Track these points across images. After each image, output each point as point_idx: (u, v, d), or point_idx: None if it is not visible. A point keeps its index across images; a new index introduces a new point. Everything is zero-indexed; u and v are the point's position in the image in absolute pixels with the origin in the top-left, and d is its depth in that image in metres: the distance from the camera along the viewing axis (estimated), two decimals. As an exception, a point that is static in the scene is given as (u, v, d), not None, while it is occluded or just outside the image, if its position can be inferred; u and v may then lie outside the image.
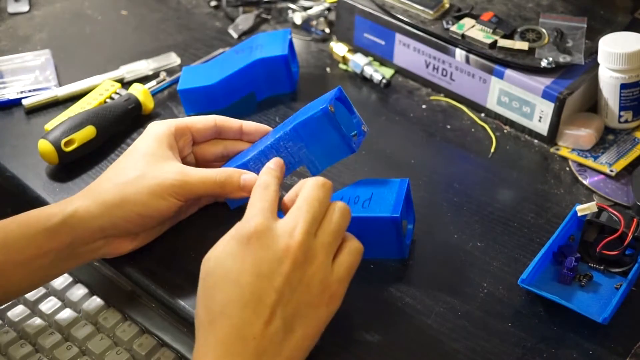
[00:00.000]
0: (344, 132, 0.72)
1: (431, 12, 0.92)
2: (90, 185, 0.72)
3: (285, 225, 0.63)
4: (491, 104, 0.90)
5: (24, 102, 0.91)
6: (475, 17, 0.91)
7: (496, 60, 0.87)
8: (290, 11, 1.06)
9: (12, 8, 1.07)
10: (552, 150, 0.87)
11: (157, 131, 0.74)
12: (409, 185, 0.73)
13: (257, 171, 0.71)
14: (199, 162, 0.79)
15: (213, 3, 1.09)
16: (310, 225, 0.64)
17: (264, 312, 0.61)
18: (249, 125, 0.78)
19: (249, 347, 0.60)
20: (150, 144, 0.73)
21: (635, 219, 0.71)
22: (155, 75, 0.96)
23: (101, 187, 0.71)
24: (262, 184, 0.67)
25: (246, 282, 0.61)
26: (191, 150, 0.78)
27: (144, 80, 0.95)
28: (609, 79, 0.85)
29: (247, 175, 0.72)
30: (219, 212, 0.79)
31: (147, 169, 0.71)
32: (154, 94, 0.93)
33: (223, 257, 0.62)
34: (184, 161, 0.76)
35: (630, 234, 0.70)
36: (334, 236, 0.65)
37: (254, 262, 0.61)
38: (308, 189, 0.66)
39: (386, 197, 0.72)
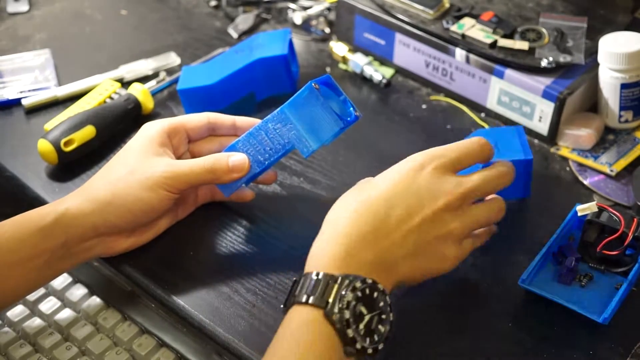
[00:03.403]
0: (330, 108, 0.72)
1: (431, 11, 0.92)
2: (82, 186, 0.73)
3: (464, 180, 0.68)
4: (491, 103, 0.90)
5: (24, 102, 0.91)
6: (476, 17, 0.91)
7: (496, 60, 0.87)
8: (290, 11, 1.06)
9: (11, 8, 1.07)
10: (552, 150, 0.87)
11: (149, 130, 0.75)
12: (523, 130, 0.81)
13: (248, 154, 0.72)
14: None
15: (213, 3, 1.09)
16: (475, 191, 0.68)
17: (404, 224, 0.65)
18: (242, 120, 0.78)
19: (377, 240, 0.64)
20: (141, 142, 0.74)
21: (635, 219, 0.71)
22: (155, 75, 0.96)
23: (92, 185, 0.72)
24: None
25: (400, 192, 0.66)
26: (187, 149, 0.78)
27: (143, 80, 0.95)
28: (609, 79, 0.85)
29: (235, 157, 0.73)
30: (219, 212, 0.79)
31: (137, 165, 0.72)
32: (153, 93, 0.93)
33: (394, 171, 0.68)
34: (180, 159, 0.76)
35: (630, 234, 0.70)
36: (485, 212, 0.69)
37: (415, 185, 0.66)
38: (496, 169, 0.70)
39: (511, 142, 0.78)
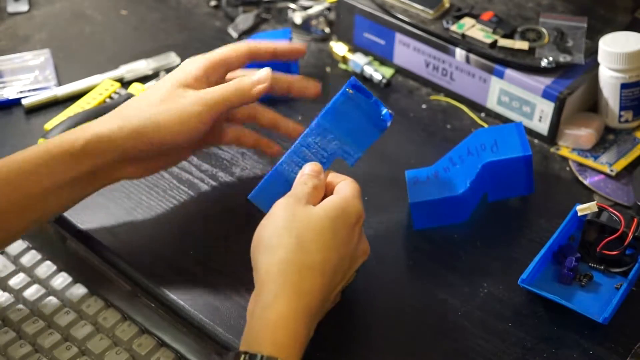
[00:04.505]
0: (369, 111, 0.71)
1: (431, 11, 0.92)
2: (114, 110, 0.73)
3: (354, 207, 0.67)
4: (491, 103, 0.90)
5: (24, 101, 0.91)
6: (475, 17, 0.91)
7: (496, 59, 0.87)
8: (290, 11, 1.06)
9: (11, 8, 1.07)
10: (552, 150, 0.87)
11: (188, 66, 0.75)
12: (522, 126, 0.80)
13: (294, 173, 0.70)
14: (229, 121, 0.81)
15: (213, 3, 1.09)
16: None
17: (336, 286, 0.65)
18: (283, 47, 0.80)
19: (319, 309, 0.63)
20: (177, 75, 0.74)
21: (635, 219, 0.71)
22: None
23: (124, 112, 0.72)
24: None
25: (342, 255, 0.65)
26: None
27: (143, 79, 0.95)
28: (609, 79, 0.85)
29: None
30: (219, 212, 0.80)
31: (170, 95, 0.72)
32: (153, 93, 0.92)
33: (337, 220, 0.65)
34: None
35: (630, 234, 0.70)
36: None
37: (352, 245, 0.66)
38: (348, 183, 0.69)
39: (510, 140, 0.78)
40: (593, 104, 0.89)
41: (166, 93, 0.72)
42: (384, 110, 0.72)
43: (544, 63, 0.86)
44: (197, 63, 0.75)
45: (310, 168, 0.69)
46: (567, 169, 0.85)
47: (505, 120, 0.89)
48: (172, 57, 0.98)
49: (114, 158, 0.71)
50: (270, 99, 0.88)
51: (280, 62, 0.89)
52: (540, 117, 0.86)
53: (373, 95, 0.73)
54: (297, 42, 0.79)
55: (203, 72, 0.75)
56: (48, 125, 0.88)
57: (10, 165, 0.68)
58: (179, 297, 0.72)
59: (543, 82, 0.85)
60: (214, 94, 0.73)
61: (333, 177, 0.70)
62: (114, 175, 0.73)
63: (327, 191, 0.69)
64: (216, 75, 0.76)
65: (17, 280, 0.77)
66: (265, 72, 0.75)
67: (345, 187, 0.68)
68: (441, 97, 0.94)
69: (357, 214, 0.66)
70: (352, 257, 0.66)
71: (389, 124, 0.72)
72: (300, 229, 0.64)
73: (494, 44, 0.88)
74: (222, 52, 0.77)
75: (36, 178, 0.68)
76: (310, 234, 0.64)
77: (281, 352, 0.59)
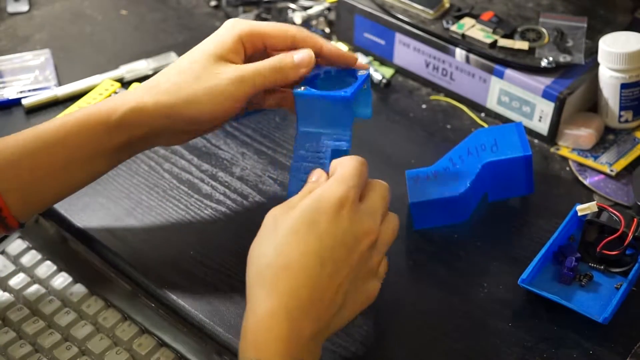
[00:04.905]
0: (328, 94, 0.70)
1: (431, 11, 0.92)
2: (150, 81, 0.73)
3: (371, 207, 0.65)
4: (491, 103, 0.90)
5: (24, 101, 0.91)
6: (475, 17, 0.91)
7: (496, 60, 0.87)
8: (290, 11, 1.06)
9: (11, 8, 1.07)
10: (552, 150, 0.87)
11: (225, 34, 0.73)
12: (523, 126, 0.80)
13: (304, 182, 0.69)
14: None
15: (213, 3, 1.09)
16: (385, 211, 0.66)
17: (336, 280, 0.61)
18: (330, 48, 0.74)
19: (314, 308, 0.60)
20: (214, 46, 0.72)
21: (635, 219, 0.71)
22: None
23: (160, 85, 0.71)
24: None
25: (329, 244, 0.61)
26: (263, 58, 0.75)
27: (143, 80, 0.95)
28: (609, 79, 0.85)
29: (299, 53, 0.72)
30: (219, 213, 0.79)
31: (204, 71, 0.71)
32: (153, 93, 0.92)
33: (313, 211, 0.62)
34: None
35: (630, 234, 0.70)
36: (392, 234, 0.67)
37: (340, 231, 0.62)
38: (379, 184, 0.67)
39: (510, 140, 0.78)
40: (593, 104, 0.89)
41: (201, 69, 0.71)
42: (347, 77, 0.72)
43: (544, 63, 0.86)
44: (235, 30, 0.73)
45: (314, 175, 0.68)
46: (567, 169, 0.85)
47: (505, 120, 0.89)
48: (172, 57, 0.98)
49: (148, 132, 0.71)
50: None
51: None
52: (540, 117, 0.86)
53: (321, 67, 0.72)
54: (352, 54, 0.75)
55: (240, 43, 0.73)
56: (48, 125, 0.88)
57: (46, 133, 0.69)
58: (179, 297, 0.72)
59: (543, 82, 0.85)
60: (252, 73, 0.70)
61: (333, 165, 0.67)
62: (147, 145, 0.74)
63: None
64: (253, 48, 0.74)
65: (17, 280, 0.77)
66: (309, 54, 0.72)
67: (335, 174, 0.65)
68: (441, 97, 0.94)
69: (339, 196, 0.62)
70: (344, 242, 0.62)
71: (349, 94, 0.69)
72: (278, 233, 0.62)
73: (494, 44, 0.88)
74: (264, 26, 0.74)
75: (74, 145, 0.69)
76: (286, 235, 0.61)
77: (262, 353, 0.58)
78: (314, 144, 0.71)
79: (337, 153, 0.70)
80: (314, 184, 0.66)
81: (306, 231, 0.61)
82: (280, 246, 0.61)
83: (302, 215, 0.62)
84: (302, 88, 0.71)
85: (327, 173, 0.67)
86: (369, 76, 0.72)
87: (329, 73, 0.73)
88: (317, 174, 0.68)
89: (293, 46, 0.73)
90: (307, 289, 0.60)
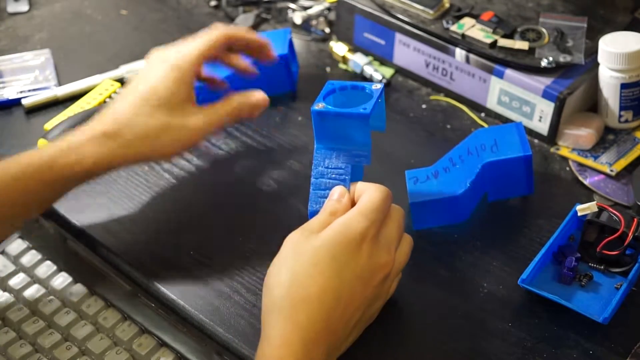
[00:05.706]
0: (346, 111, 0.70)
1: (431, 11, 0.92)
2: (110, 114, 0.74)
3: (388, 237, 0.66)
4: (491, 103, 0.90)
5: (24, 101, 0.91)
6: (475, 17, 0.91)
7: (496, 60, 0.87)
8: (290, 11, 1.06)
9: (11, 8, 1.07)
10: (552, 150, 0.87)
11: (177, 73, 0.75)
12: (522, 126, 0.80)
13: (320, 202, 0.69)
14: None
15: (213, 3, 1.09)
16: (400, 238, 0.68)
17: (349, 312, 0.63)
18: (256, 40, 0.83)
19: (329, 339, 0.62)
20: (169, 88, 0.74)
21: (635, 219, 0.71)
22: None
23: (121, 135, 0.72)
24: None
25: (347, 278, 0.62)
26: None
27: (143, 80, 0.95)
28: (609, 79, 0.85)
29: (257, 96, 0.79)
30: (220, 213, 0.79)
31: (173, 121, 0.74)
32: (153, 93, 0.92)
33: (335, 244, 0.63)
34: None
35: (630, 234, 0.70)
36: (405, 257, 0.69)
37: (359, 267, 0.63)
38: (396, 211, 0.68)
39: (510, 140, 0.78)
40: (593, 104, 0.89)
41: (169, 120, 0.73)
42: (365, 90, 0.72)
43: (544, 63, 0.86)
44: (185, 68, 0.75)
45: (335, 193, 0.68)
46: (567, 169, 0.85)
47: (505, 120, 0.89)
48: (172, 57, 0.97)
49: (106, 172, 0.74)
50: (271, 97, 0.88)
51: (279, 62, 0.89)
52: (540, 117, 0.86)
53: (347, 84, 0.73)
54: (262, 39, 0.83)
55: (192, 75, 0.76)
56: (48, 125, 0.88)
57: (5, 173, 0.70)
58: (179, 297, 0.72)
59: (543, 82, 0.85)
60: (213, 119, 0.76)
61: (358, 188, 0.68)
62: (106, 174, 0.75)
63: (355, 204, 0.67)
64: (198, 72, 0.78)
65: (17, 280, 0.77)
66: (262, 96, 0.80)
67: (360, 201, 0.66)
68: (441, 97, 0.94)
69: (361, 231, 0.63)
70: (361, 277, 0.63)
71: (369, 111, 0.69)
72: (298, 262, 0.63)
73: (494, 44, 0.88)
74: (200, 48, 0.77)
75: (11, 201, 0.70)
76: (306, 267, 0.62)
77: None
78: (333, 160, 0.71)
79: (357, 168, 0.71)
80: (336, 202, 0.67)
81: (326, 265, 0.62)
82: (300, 277, 0.62)
83: (322, 247, 0.63)
84: (320, 105, 0.71)
85: (348, 189, 0.68)
86: (384, 90, 0.73)
87: (344, 89, 0.73)
88: (338, 191, 0.68)
89: (229, 46, 0.80)
90: (322, 322, 0.61)
